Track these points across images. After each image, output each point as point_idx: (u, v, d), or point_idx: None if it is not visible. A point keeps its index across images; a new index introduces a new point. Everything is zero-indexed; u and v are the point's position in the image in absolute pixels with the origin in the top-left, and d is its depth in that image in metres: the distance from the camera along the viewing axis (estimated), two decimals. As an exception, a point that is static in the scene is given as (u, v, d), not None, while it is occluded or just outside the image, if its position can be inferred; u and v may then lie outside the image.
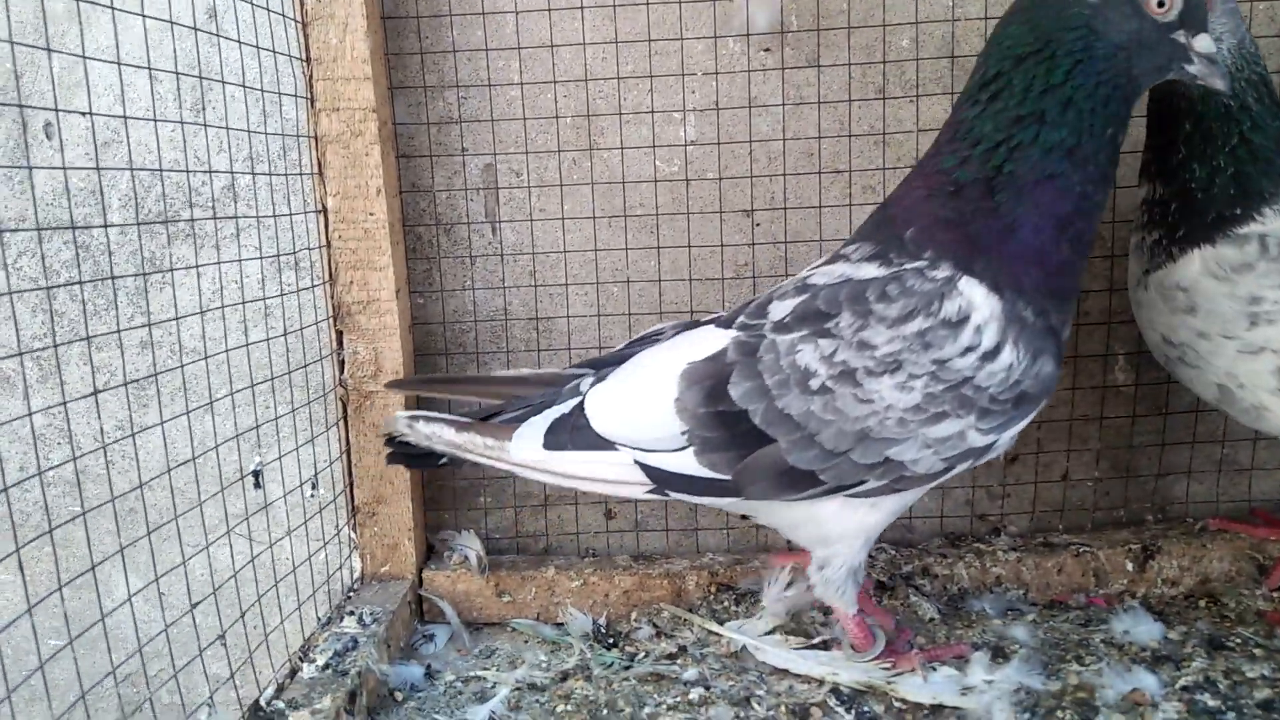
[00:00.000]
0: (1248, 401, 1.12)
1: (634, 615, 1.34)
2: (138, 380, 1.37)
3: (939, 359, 0.94)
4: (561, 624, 1.34)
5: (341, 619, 1.21)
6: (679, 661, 1.20)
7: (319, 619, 1.22)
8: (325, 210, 1.33)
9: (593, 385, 1.09)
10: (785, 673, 1.16)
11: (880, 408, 0.95)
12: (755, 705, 1.09)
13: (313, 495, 1.35)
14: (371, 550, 1.37)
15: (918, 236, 0.98)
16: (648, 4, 1.39)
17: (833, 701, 1.08)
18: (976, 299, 0.94)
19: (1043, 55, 0.92)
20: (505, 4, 1.39)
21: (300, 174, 1.33)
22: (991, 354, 0.93)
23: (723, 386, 1.01)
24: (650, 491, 1.05)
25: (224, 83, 1.27)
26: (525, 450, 1.06)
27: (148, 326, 1.34)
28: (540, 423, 1.07)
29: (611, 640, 1.28)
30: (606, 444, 1.04)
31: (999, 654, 1.17)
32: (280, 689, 1.06)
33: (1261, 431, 1.22)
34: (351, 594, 1.32)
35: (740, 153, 1.43)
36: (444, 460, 1.13)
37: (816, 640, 1.20)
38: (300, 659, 1.11)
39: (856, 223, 1.43)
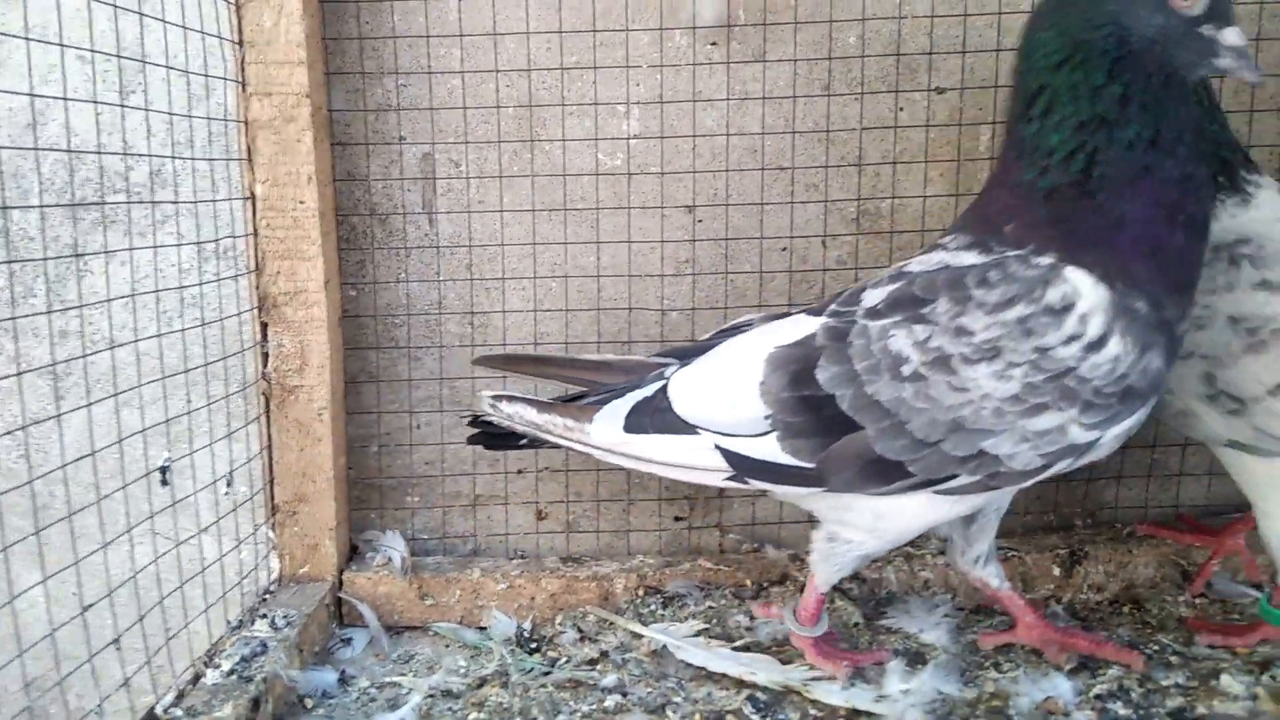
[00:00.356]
0: (1176, 407, 1.11)
1: (559, 619, 1.31)
2: (35, 370, 1.31)
3: (1040, 346, 0.90)
4: (485, 628, 1.30)
5: (254, 622, 1.17)
6: (599, 667, 1.17)
7: (229, 622, 1.18)
8: (254, 197, 1.28)
9: (678, 370, 1.09)
10: (704, 678, 1.13)
11: (976, 396, 0.92)
12: (670, 713, 1.06)
13: (227, 493, 1.31)
14: (291, 550, 1.33)
15: (1018, 231, 0.95)
16: (593, -8, 1.35)
17: (748, 709, 1.06)
18: (1083, 287, 0.91)
19: (1077, 60, 0.90)
20: (449, -10, 1.36)
21: (227, 160, 1.29)
22: (1096, 344, 0.90)
23: (810, 371, 0.99)
24: (729, 479, 1.03)
25: (145, 63, 1.21)
26: (606, 432, 1.05)
27: (48, 314, 1.29)
28: (622, 405, 1.06)
29: (534, 645, 1.25)
30: (688, 427, 1.03)
31: (918, 660, 1.15)
32: (180, 696, 1.01)
33: (1190, 437, 1.21)
34: (268, 596, 1.27)
35: (684, 147, 1.40)
36: (524, 441, 1.14)
37: (739, 643, 1.17)
38: (205, 664, 1.07)
39: (799, 220, 1.41)
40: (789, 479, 1.00)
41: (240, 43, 1.25)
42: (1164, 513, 1.47)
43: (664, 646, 1.18)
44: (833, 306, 1.03)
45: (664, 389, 1.06)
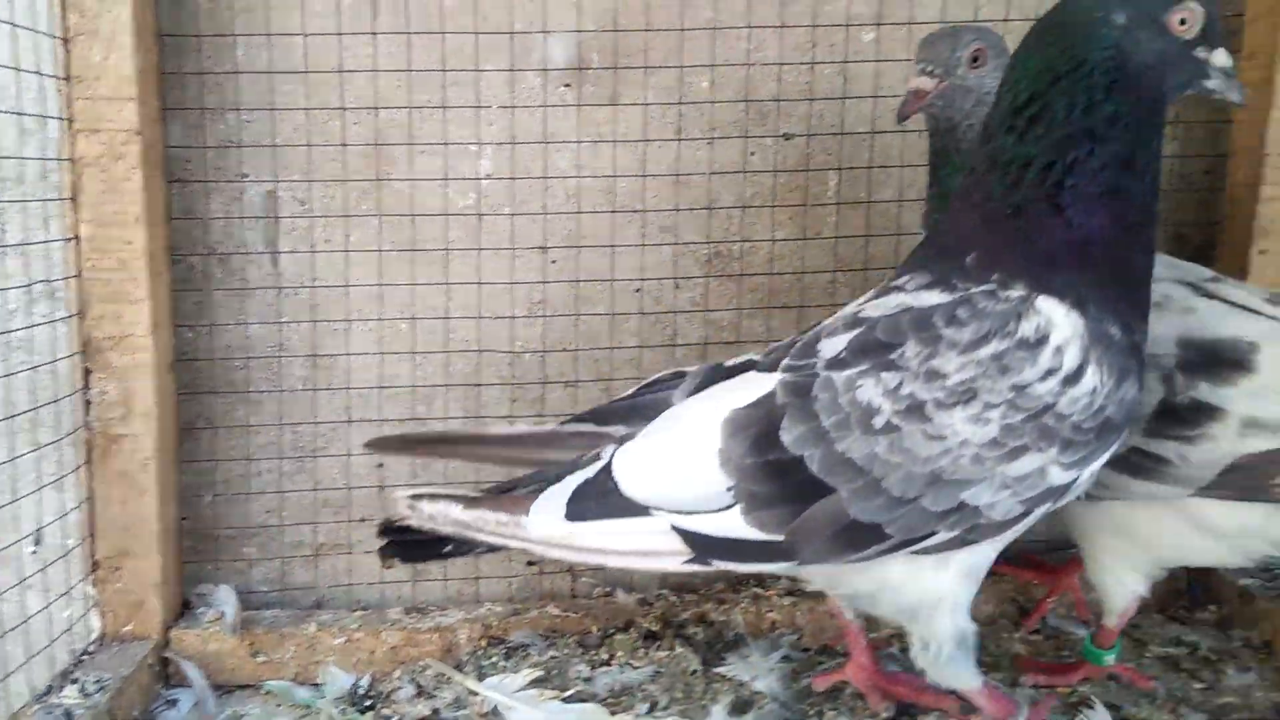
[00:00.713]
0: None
1: (398, 673, 1.25)
2: None
3: (1017, 384, 0.86)
4: (320, 685, 1.24)
5: (62, 688, 1.09)
6: (431, 726, 1.13)
7: (33, 690, 1.10)
8: (78, 238, 1.22)
9: (620, 443, 0.97)
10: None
11: (954, 444, 0.86)
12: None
13: (34, 551, 1.22)
14: (113, 608, 1.24)
15: (981, 261, 0.91)
16: (444, 34, 1.33)
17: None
18: (1056, 317, 0.87)
19: (1079, 75, 0.89)
20: (293, 26, 1.32)
21: (44, 200, 1.22)
22: (1074, 377, 0.86)
23: (773, 432, 0.90)
24: (689, 561, 0.92)
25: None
26: (545, 524, 0.93)
27: None
28: (561, 491, 0.94)
29: (369, 702, 1.20)
30: (639, 509, 0.92)
31: (744, 708, 1.14)
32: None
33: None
34: (85, 658, 1.19)
35: (536, 188, 1.39)
36: (448, 548, 0.99)
37: (571, 692, 1.15)
38: (0, 737, 0.99)
39: (649, 263, 1.41)
40: (756, 555, 0.91)
41: (68, 78, 1.18)
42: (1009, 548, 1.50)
43: (495, 707, 1.15)
44: (786, 360, 0.95)
45: (608, 468, 0.95)
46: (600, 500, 0.93)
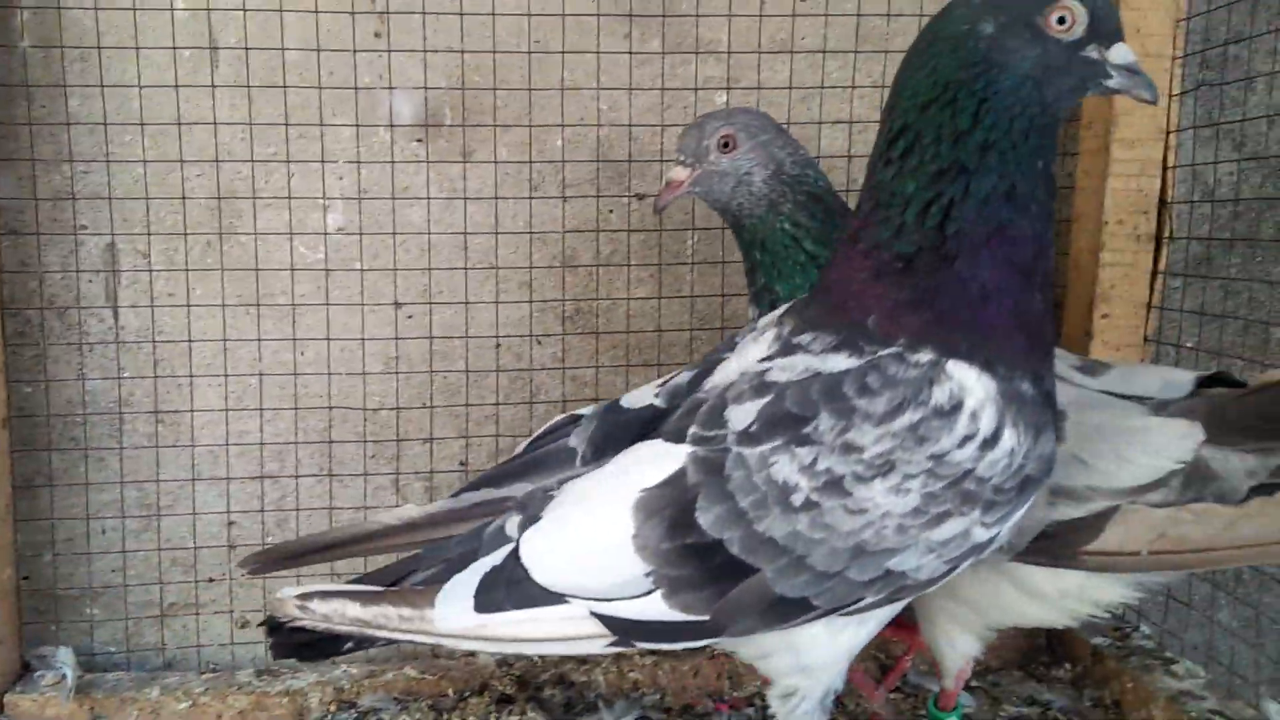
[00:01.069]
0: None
1: (241, 741, 1.23)
2: None
3: (935, 453, 0.83)
4: (159, 754, 1.22)
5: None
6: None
7: None
8: (-100, 292, 1.18)
9: (523, 525, 0.91)
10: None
11: (876, 516, 0.83)
12: None
13: None
14: (-62, 677, 1.21)
15: (885, 322, 0.87)
16: (285, 87, 1.31)
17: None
18: (968, 381, 0.84)
19: (945, 100, 0.83)
20: (129, 78, 1.29)
21: None
22: (991, 440, 0.83)
23: (688, 515, 0.85)
24: (613, 645, 0.87)
25: None
26: (454, 618, 0.86)
27: None
28: (467, 580, 0.88)
29: (204, 774, 1.17)
30: (554, 597, 0.87)
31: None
32: None
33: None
34: (-100, 732, 1.15)
35: (389, 244, 1.37)
36: (349, 644, 0.92)
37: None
38: None
39: (511, 318, 1.40)
40: (681, 636, 0.88)
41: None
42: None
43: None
44: (694, 430, 0.90)
45: (516, 553, 0.89)
46: (511, 589, 0.87)
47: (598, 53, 1.35)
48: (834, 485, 0.84)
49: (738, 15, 1.37)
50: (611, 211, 1.41)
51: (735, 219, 1.14)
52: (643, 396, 0.99)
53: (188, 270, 1.34)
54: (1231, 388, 1.07)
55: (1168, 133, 1.30)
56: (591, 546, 0.88)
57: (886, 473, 0.84)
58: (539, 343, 1.43)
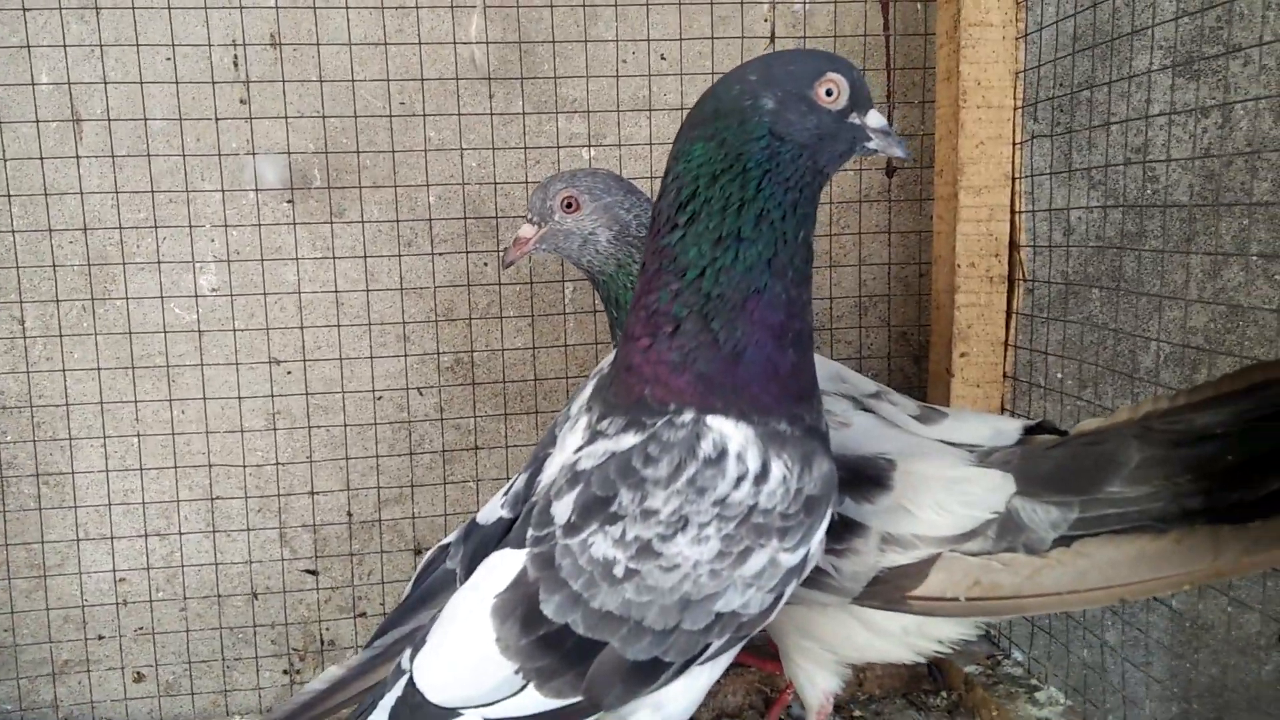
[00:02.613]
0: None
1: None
2: None
3: (717, 499, 0.90)
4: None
5: None
6: None
7: None
8: None
9: (413, 654, 0.98)
10: None
11: (689, 568, 0.90)
12: None
13: None
14: None
15: (656, 392, 0.93)
16: (150, 156, 1.34)
17: None
18: (727, 430, 0.90)
19: (734, 171, 0.89)
20: (-10, 150, 1.32)
21: None
22: (762, 475, 0.90)
23: (535, 609, 0.92)
24: None
25: None
26: None
27: None
28: (379, 718, 0.95)
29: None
30: (450, 713, 0.94)
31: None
32: None
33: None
34: None
35: (262, 303, 1.40)
36: None
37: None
38: None
39: (380, 372, 1.43)
40: (568, 718, 0.94)
41: None
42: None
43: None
44: (530, 532, 0.97)
45: (411, 681, 0.96)
46: (414, 714, 0.94)
47: (459, 114, 1.38)
48: (645, 550, 0.91)
49: (596, 76, 1.40)
50: (486, 264, 1.44)
51: (589, 274, 1.17)
52: (493, 510, 1.07)
53: (62, 336, 1.36)
54: (1055, 435, 1.10)
55: (1013, 179, 1.34)
56: (466, 658, 0.95)
57: (684, 527, 0.90)
58: (419, 394, 1.45)
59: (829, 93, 0.90)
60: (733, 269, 0.90)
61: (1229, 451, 0.88)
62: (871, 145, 0.93)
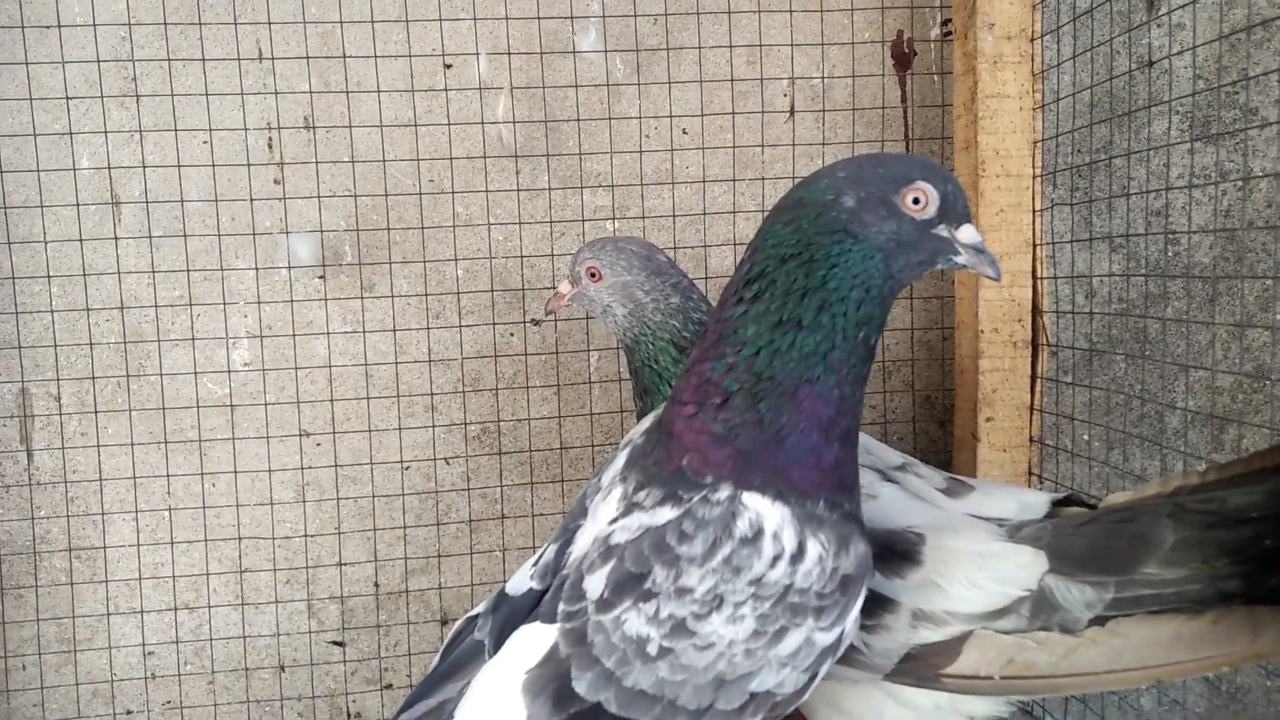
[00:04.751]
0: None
1: None
2: None
3: (753, 578, 0.89)
4: None
5: None
6: None
7: None
8: None
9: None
10: None
11: (724, 647, 0.89)
12: None
13: None
14: None
15: (694, 463, 0.93)
16: (186, 236, 1.37)
17: None
18: (763, 509, 0.90)
19: (803, 258, 0.89)
20: (34, 234, 1.35)
21: None
22: (798, 555, 0.89)
23: (566, 686, 0.92)
24: None
25: None
26: None
27: None
28: None
29: None
30: None
31: None
32: None
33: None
34: None
35: (293, 377, 1.42)
36: None
37: None
38: None
39: (408, 443, 1.44)
40: None
41: None
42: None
43: None
44: (561, 607, 0.97)
45: None
46: None
47: (486, 191, 1.41)
48: (680, 628, 0.90)
49: (620, 151, 1.43)
50: (513, 335, 1.45)
51: (618, 339, 1.18)
52: (522, 581, 1.06)
53: (97, 412, 1.38)
54: (1083, 508, 1.10)
55: (1034, 245, 1.35)
56: None
57: (719, 606, 0.90)
58: (446, 464, 1.47)
59: (915, 201, 0.89)
60: (788, 354, 0.90)
61: (1266, 536, 0.88)
62: (959, 260, 0.92)
